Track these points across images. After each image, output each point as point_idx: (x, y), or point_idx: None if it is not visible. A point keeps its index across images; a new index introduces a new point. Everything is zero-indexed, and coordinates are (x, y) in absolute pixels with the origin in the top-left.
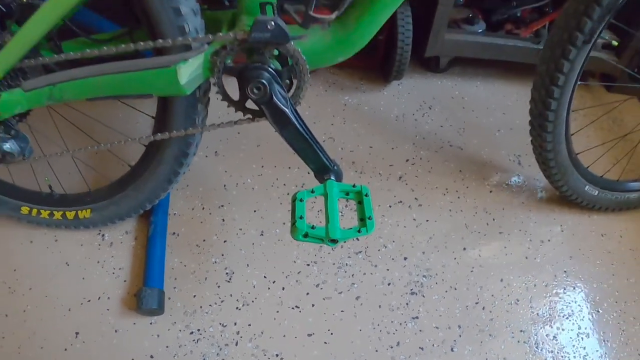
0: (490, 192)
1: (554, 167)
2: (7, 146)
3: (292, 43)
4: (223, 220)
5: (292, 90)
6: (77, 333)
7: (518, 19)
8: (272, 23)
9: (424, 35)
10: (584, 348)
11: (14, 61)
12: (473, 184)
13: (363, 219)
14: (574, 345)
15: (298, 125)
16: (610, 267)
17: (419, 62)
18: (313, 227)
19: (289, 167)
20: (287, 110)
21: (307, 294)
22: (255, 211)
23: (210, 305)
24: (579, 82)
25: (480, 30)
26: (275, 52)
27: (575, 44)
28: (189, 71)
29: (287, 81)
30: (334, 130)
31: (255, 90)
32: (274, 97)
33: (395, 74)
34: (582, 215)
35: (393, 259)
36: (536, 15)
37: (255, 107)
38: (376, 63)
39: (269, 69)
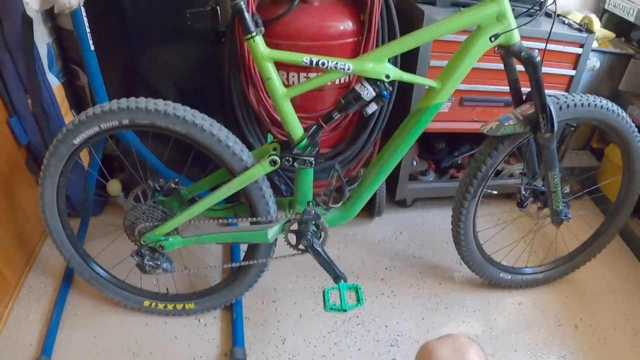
0: (440, 283)
1: (473, 266)
2: (165, 265)
3: (321, 219)
4: (276, 309)
5: (321, 238)
6: None
7: (459, 165)
8: (313, 212)
9: (394, 186)
10: None
11: (178, 225)
12: (428, 280)
13: (359, 300)
14: None
15: (324, 255)
16: (525, 324)
17: (393, 202)
18: (334, 305)
19: (311, 286)
20: (319, 249)
21: (329, 348)
22: (294, 303)
23: (272, 359)
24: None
25: (431, 179)
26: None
27: (466, 199)
28: (272, 232)
29: (320, 233)
30: (339, 252)
31: (304, 242)
32: (314, 244)
33: (377, 212)
34: (503, 292)
35: (379, 326)
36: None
37: (303, 248)
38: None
39: (310, 231)
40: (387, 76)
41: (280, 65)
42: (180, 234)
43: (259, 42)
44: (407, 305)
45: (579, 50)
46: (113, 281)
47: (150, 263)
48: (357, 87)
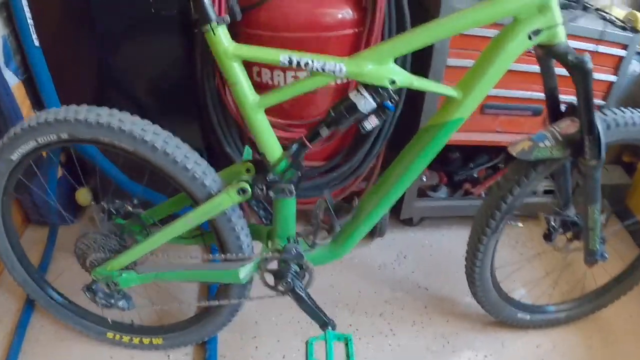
0: (447, 321)
1: (487, 306)
2: (121, 303)
3: (305, 259)
4: (256, 347)
5: (305, 280)
6: None
7: (474, 179)
8: (294, 250)
9: (399, 203)
10: None
11: (134, 259)
12: (434, 316)
13: (349, 356)
14: None
15: (308, 300)
16: None
17: (398, 220)
18: None
19: (298, 320)
20: (302, 293)
21: None
22: (278, 341)
23: None
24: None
25: (443, 196)
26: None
27: (485, 233)
28: (245, 271)
29: (304, 273)
30: (333, 279)
31: (284, 284)
32: (295, 287)
33: (379, 233)
34: (519, 332)
35: None
36: (491, 172)
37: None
38: None
39: (291, 272)
40: (392, 82)
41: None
42: (135, 268)
43: (222, 35)
44: (408, 347)
45: (622, 53)
46: (73, 309)
47: (104, 301)
48: (352, 95)
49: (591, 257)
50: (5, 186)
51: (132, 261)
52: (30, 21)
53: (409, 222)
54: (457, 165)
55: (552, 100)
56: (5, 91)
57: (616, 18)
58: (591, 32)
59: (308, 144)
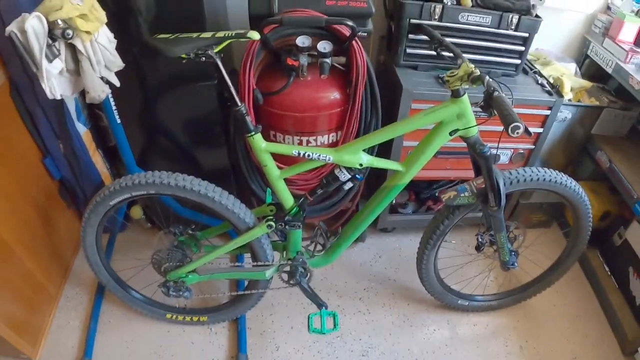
0: (408, 304)
1: (435, 295)
2: (186, 294)
3: (307, 264)
4: (272, 321)
5: (307, 277)
6: None
7: (436, 198)
8: (300, 259)
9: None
10: None
11: (197, 266)
12: (399, 300)
13: (335, 325)
14: None
15: (309, 290)
16: (476, 343)
17: (376, 228)
18: (315, 328)
19: (302, 303)
20: (305, 286)
21: (314, 355)
22: (288, 317)
23: None
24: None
25: (410, 212)
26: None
27: (427, 249)
28: (269, 272)
29: (307, 273)
30: (327, 273)
31: (294, 280)
32: (301, 282)
33: (361, 239)
34: (462, 314)
35: (354, 339)
36: None
37: (293, 284)
38: None
39: (299, 272)
40: (361, 165)
41: (279, 130)
42: (197, 272)
43: (258, 139)
44: (378, 322)
45: (547, 112)
46: (141, 299)
47: (174, 293)
48: (336, 171)
49: (504, 266)
50: (102, 220)
51: (195, 267)
52: (114, 107)
53: (384, 230)
54: (423, 186)
55: (475, 163)
56: (78, 138)
57: (547, 82)
58: (525, 102)
59: (309, 198)
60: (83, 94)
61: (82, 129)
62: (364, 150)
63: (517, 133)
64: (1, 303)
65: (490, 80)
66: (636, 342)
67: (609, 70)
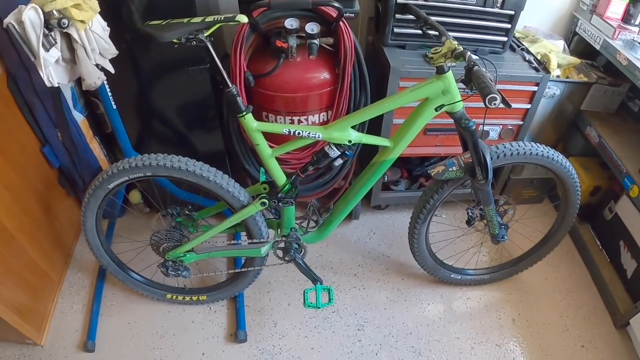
0: (402, 279)
1: (427, 269)
2: (184, 273)
3: (301, 240)
4: (270, 299)
5: (302, 253)
6: (203, 354)
7: (428, 175)
8: (294, 235)
9: (369, 193)
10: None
11: (194, 245)
12: (393, 276)
13: (330, 299)
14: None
15: (304, 265)
16: (469, 316)
17: (369, 206)
18: (311, 303)
19: (298, 280)
20: (300, 261)
21: (310, 330)
22: (285, 294)
23: (266, 338)
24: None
25: (402, 189)
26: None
27: (417, 223)
28: (264, 249)
29: (301, 249)
30: (322, 250)
31: (289, 256)
32: (295, 258)
33: (355, 216)
34: (455, 288)
35: (349, 314)
36: None
37: (288, 259)
38: None
39: (293, 248)
40: (349, 141)
41: (271, 110)
42: (194, 251)
43: (249, 118)
44: (373, 297)
45: (534, 88)
46: (142, 280)
47: (173, 273)
48: (326, 148)
49: (494, 239)
50: (100, 204)
51: (193, 246)
52: (109, 93)
53: (378, 208)
54: (415, 163)
55: (462, 139)
56: (75, 126)
57: (534, 59)
58: (512, 78)
59: (301, 175)
60: (79, 82)
61: (79, 117)
62: (353, 128)
63: (494, 104)
64: (5, 291)
65: (472, 55)
66: (627, 315)
67: (597, 47)
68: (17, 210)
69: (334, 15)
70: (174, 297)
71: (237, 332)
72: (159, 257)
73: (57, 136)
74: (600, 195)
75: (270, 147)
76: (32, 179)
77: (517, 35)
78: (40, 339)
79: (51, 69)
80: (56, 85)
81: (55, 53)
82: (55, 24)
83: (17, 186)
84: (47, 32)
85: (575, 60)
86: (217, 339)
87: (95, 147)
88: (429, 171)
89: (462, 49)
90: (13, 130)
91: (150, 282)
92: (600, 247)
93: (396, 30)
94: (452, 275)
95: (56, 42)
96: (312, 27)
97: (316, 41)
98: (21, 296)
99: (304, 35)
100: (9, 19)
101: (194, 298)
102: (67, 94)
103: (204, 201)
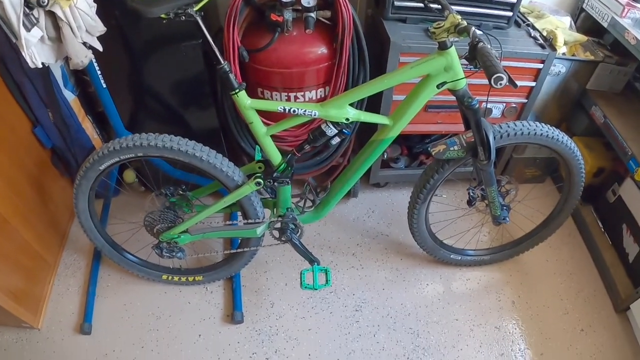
0: (401, 259)
1: (427, 249)
2: (179, 254)
3: (297, 220)
4: (267, 279)
5: (298, 233)
6: (199, 335)
7: (429, 152)
8: (291, 215)
9: (369, 171)
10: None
11: (189, 226)
12: (392, 255)
13: (327, 281)
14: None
15: (300, 246)
16: (469, 297)
17: (368, 183)
18: (308, 284)
19: (296, 259)
20: (296, 242)
21: (308, 311)
22: (281, 274)
23: (263, 319)
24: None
25: (403, 166)
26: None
27: (417, 203)
28: (260, 230)
29: (298, 229)
30: (320, 229)
31: (285, 237)
32: (292, 239)
33: (353, 194)
34: (454, 269)
35: (347, 294)
36: None
37: (284, 240)
38: None
39: (289, 229)
40: (347, 119)
41: (267, 87)
42: (189, 232)
43: (242, 96)
44: (371, 277)
45: (539, 66)
46: (137, 261)
47: (167, 254)
48: (323, 126)
49: (495, 220)
50: (92, 185)
51: (187, 227)
52: (98, 71)
53: (377, 185)
54: (416, 140)
55: (464, 117)
56: (66, 105)
57: (540, 35)
58: (517, 55)
59: (297, 153)
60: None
61: (70, 96)
62: (351, 105)
63: (500, 84)
64: (0, 275)
65: (477, 31)
66: (628, 300)
67: (605, 25)
68: (9, 192)
69: None
70: (170, 277)
71: (233, 313)
72: (154, 238)
73: (49, 116)
74: (603, 177)
75: (266, 124)
76: (24, 161)
77: (522, 10)
78: (37, 322)
79: (34, 49)
80: (40, 66)
81: (37, 33)
82: (35, 3)
83: (9, 168)
84: (27, 11)
85: (582, 37)
86: (213, 319)
87: (88, 126)
88: (429, 149)
89: (465, 24)
90: (3, 112)
91: (146, 262)
92: (603, 230)
93: (397, 3)
94: (451, 256)
95: (38, 22)
96: (308, 0)
97: (313, 14)
98: (16, 280)
99: (300, 8)
100: None
101: (190, 279)
102: (57, 73)
103: (200, 180)
